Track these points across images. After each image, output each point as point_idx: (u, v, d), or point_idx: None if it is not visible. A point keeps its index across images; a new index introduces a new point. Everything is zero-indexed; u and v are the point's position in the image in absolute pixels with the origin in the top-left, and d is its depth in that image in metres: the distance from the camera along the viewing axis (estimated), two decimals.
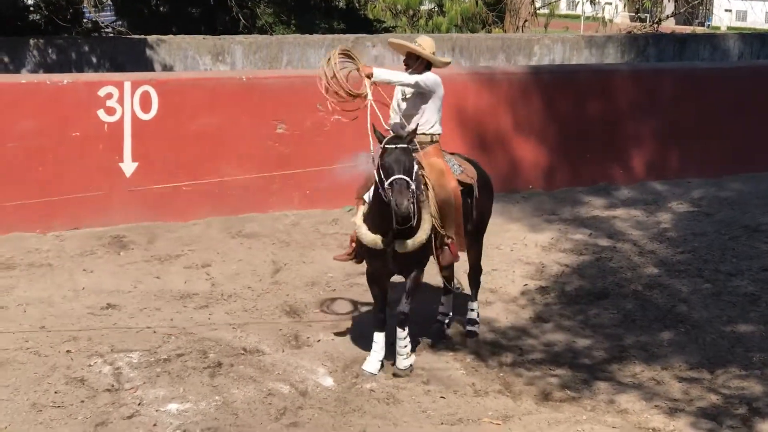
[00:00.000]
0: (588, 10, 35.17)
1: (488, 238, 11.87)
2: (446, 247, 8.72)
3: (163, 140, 12.33)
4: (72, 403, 7.86)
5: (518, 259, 11.63)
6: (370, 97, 8.65)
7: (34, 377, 8.27)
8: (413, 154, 8.18)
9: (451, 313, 9.71)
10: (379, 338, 8.75)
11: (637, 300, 10.53)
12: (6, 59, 16.05)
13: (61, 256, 11.17)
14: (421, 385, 8.50)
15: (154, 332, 9.32)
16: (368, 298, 9.16)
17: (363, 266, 9.01)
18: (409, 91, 8.91)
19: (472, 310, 9.69)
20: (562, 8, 40.00)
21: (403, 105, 8.98)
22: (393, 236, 8.29)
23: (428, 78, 8.88)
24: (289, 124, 12.81)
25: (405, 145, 8.08)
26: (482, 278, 10.34)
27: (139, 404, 7.89)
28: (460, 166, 9.08)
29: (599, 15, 30.18)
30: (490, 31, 24.83)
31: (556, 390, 8.52)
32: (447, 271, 9.30)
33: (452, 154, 9.33)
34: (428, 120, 8.89)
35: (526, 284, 10.93)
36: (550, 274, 11.19)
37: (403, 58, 9.06)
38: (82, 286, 10.37)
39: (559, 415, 8.07)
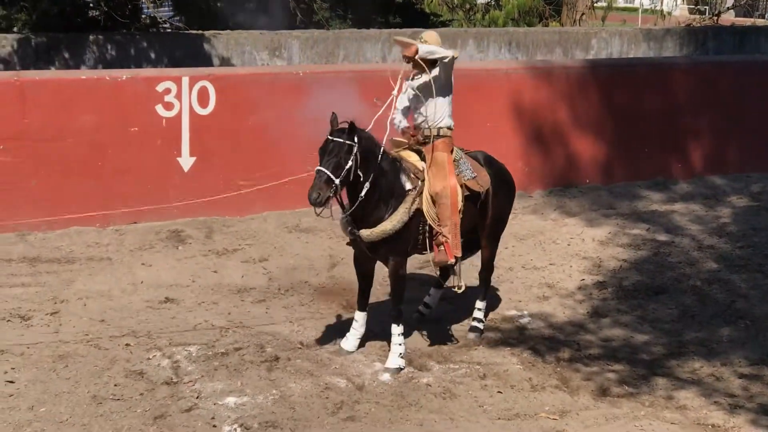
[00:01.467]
0: (646, 2, 34.89)
1: (545, 233, 11.89)
2: (441, 247, 8.68)
3: (221, 135, 12.39)
4: (131, 396, 7.93)
5: (575, 253, 11.57)
6: (394, 92, 8.78)
7: (94, 370, 8.35)
8: (357, 150, 8.20)
9: (433, 306, 9.74)
10: (359, 317, 8.93)
11: (696, 295, 10.44)
12: (66, 55, 16.21)
13: (120, 251, 11.26)
14: (477, 379, 8.49)
15: (212, 326, 9.37)
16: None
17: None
18: (418, 87, 8.79)
19: (479, 309, 9.58)
20: (620, 1, 39.66)
21: (413, 101, 8.89)
22: (349, 222, 8.47)
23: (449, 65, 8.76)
24: (346, 118, 12.80)
25: (341, 140, 8.15)
26: (538, 274, 10.34)
27: (197, 397, 7.94)
28: (473, 171, 8.97)
29: (657, 8, 29.90)
30: (547, 25, 24.69)
31: (613, 385, 8.48)
32: (444, 270, 9.33)
33: (471, 153, 9.25)
34: (435, 113, 8.80)
35: (583, 279, 10.87)
36: (607, 269, 11.12)
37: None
38: (141, 280, 10.44)
39: (616, 410, 8.03)
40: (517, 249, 11.69)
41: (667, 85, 14.82)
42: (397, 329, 8.71)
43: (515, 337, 9.45)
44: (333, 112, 8.42)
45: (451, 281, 9.39)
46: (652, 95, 14.66)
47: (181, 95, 12.17)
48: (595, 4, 25.56)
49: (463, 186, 8.80)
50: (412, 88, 8.82)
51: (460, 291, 9.04)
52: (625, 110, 14.49)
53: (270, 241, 11.71)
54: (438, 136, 8.81)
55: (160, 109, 12.10)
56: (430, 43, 8.76)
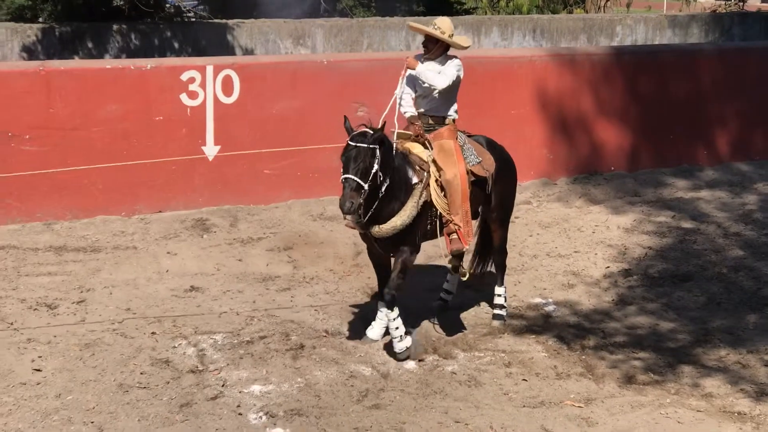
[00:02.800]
0: None
1: (570, 221, 11.86)
2: (455, 235, 8.65)
3: (245, 124, 12.41)
4: (157, 384, 7.96)
5: (600, 241, 11.53)
6: (397, 91, 8.80)
7: (121, 358, 8.39)
8: (383, 148, 8.20)
9: (454, 292, 9.70)
10: (382, 307, 8.83)
11: (722, 283, 10.40)
12: (90, 45, 16.28)
13: (146, 239, 11.30)
14: (502, 367, 8.48)
15: (237, 314, 9.40)
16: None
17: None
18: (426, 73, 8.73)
19: (499, 295, 9.56)
20: None
21: (419, 89, 8.81)
22: (365, 219, 8.36)
23: (458, 65, 8.74)
24: (370, 107, 12.80)
25: (365, 145, 8.09)
26: (563, 261, 10.31)
27: (222, 386, 7.96)
28: (477, 156, 8.94)
29: None
30: (571, 12, 24.62)
31: (639, 373, 8.45)
32: (456, 260, 9.32)
33: (474, 137, 9.22)
34: (443, 104, 8.80)
35: (609, 267, 10.84)
36: (632, 257, 11.08)
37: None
38: (166, 269, 10.48)
39: (642, 398, 8.00)
40: (542, 237, 11.67)
41: (693, 72, 14.75)
42: (391, 314, 8.59)
43: (540, 324, 9.43)
44: (344, 116, 8.40)
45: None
46: (677, 82, 14.60)
47: (206, 84, 12.19)
48: None
49: (469, 172, 8.77)
50: (423, 78, 8.70)
51: (464, 279, 9.07)
52: (650, 97, 14.43)
53: (295, 230, 11.73)
54: (444, 123, 8.81)
55: (184, 98, 12.13)
56: (443, 29, 8.70)
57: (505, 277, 9.67)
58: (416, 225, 8.52)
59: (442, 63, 8.76)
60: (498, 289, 9.55)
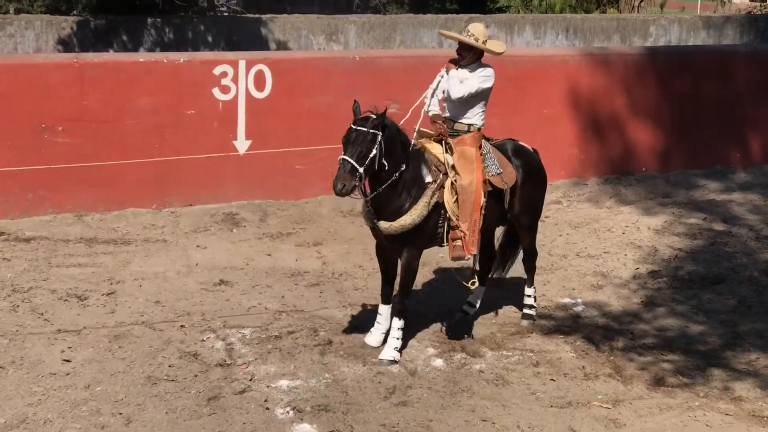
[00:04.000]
0: None
1: (600, 221, 11.82)
2: (458, 242, 8.55)
3: (277, 119, 12.44)
4: (185, 377, 7.99)
5: (630, 242, 11.49)
6: (428, 90, 8.82)
7: (149, 351, 8.42)
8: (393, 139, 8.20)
9: (476, 306, 9.52)
10: (382, 310, 8.78)
11: (753, 286, 10.33)
12: (124, 38, 16.36)
13: (176, 233, 11.34)
14: (530, 367, 8.47)
15: (266, 309, 9.42)
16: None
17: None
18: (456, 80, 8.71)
19: (529, 295, 9.53)
20: None
21: (448, 92, 8.78)
22: (370, 213, 8.40)
23: (487, 75, 8.72)
24: (403, 103, 12.79)
25: (365, 129, 8.05)
26: (593, 262, 10.27)
27: (250, 380, 7.98)
28: (499, 167, 8.85)
29: None
30: (604, 12, 24.52)
31: (668, 375, 8.41)
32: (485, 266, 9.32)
33: (501, 142, 9.19)
34: (474, 112, 8.78)
35: (638, 268, 10.79)
36: (662, 258, 11.03)
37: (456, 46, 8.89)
38: (196, 262, 10.52)
39: (670, 400, 7.97)
40: (572, 237, 11.64)
41: (727, 74, 14.67)
42: (398, 323, 8.56)
43: (569, 325, 9.41)
44: (355, 101, 8.37)
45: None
46: (711, 83, 14.52)
47: (238, 79, 12.23)
48: None
49: (487, 182, 8.68)
50: (474, 85, 8.68)
51: (473, 287, 9.00)
52: (683, 98, 14.37)
53: (324, 225, 11.75)
54: (467, 131, 8.76)
55: (216, 92, 12.17)
56: (476, 36, 8.65)
57: (535, 277, 9.65)
58: (425, 226, 8.45)
59: (473, 71, 8.72)
60: (528, 290, 9.53)
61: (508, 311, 9.64)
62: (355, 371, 8.20)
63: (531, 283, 9.56)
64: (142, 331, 8.83)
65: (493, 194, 8.78)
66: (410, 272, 8.60)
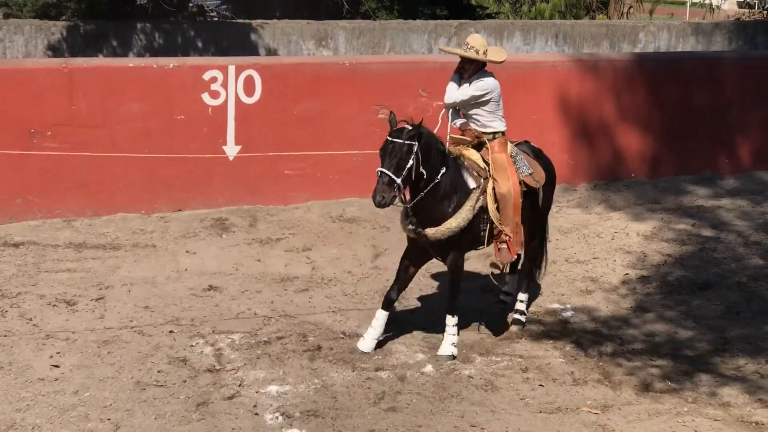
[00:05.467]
0: None
1: (590, 227, 11.84)
2: (504, 245, 8.79)
3: (266, 124, 12.43)
4: (174, 383, 7.99)
5: (619, 248, 11.51)
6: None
7: (138, 356, 8.42)
8: (424, 149, 8.32)
9: (513, 293, 9.70)
10: (380, 316, 8.84)
11: (742, 292, 10.36)
12: (114, 43, 16.32)
13: (165, 238, 11.33)
14: (519, 372, 8.48)
15: (255, 314, 9.42)
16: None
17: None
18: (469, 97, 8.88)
19: (522, 301, 9.61)
20: None
21: (463, 106, 8.95)
22: (412, 221, 8.53)
23: (481, 87, 8.85)
24: (392, 109, 12.78)
25: (401, 141, 8.21)
26: (582, 267, 10.29)
27: (239, 385, 7.98)
28: (529, 168, 9.07)
29: (706, 1, 29.67)
30: (594, 18, 24.61)
31: (656, 381, 8.43)
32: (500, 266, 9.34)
33: (519, 145, 9.32)
34: (489, 119, 8.92)
35: (627, 273, 10.81)
36: (651, 264, 11.05)
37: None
38: (185, 268, 10.51)
39: (659, 406, 7.99)
40: (561, 242, 11.65)
41: (716, 80, 14.69)
42: (452, 320, 8.77)
43: (558, 330, 9.42)
44: (391, 111, 8.52)
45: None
46: (699, 90, 14.54)
47: (227, 84, 12.23)
48: None
49: (521, 182, 8.90)
50: (467, 93, 8.86)
51: (496, 272, 9.20)
52: (672, 104, 14.38)
53: (314, 231, 11.74)
54: (492, 138, 8.91)
55: (206, 97, 12.17)
56: (476, 48, 8.80)
57: (515, 276, 9.76)
58: (470, 228, 8.63)
59: (471, 82, 8.88)
60: (521, 295, 9.58)
61: (498, 317, 9.62)
62: (344, 377, 8.21)
63: (526, 289, 9.63)
64: (131, 336, 8.82)
65: (526, 194, 8.99)
66: (457, 272, 8.89)
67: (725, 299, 10.17)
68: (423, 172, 8.31)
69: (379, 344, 8.86)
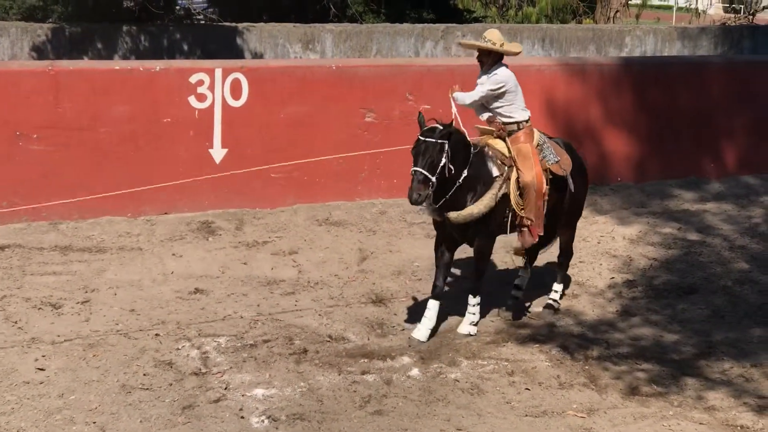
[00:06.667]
0: (681, 0, 34.68)
1: (576, 231, 11.82)
2: (526, 229, 9.12)
3: (253, 127, 12.43)
4: (160, 386, 7.97)
5: (605, 251, 11.52)
6: (454, 108, 9.13)
7: (124, 359, 8.40)
8: (456, 146, 8.65)
9: (523, 287, 10.01)
10: (432, 305, 9.10)
11: (727, 296, 10.38)
12: (100, 45, 16.30)
13: (151, 241, 11.31)
14: (505, 376, 8.48)
15: (241, 318, 9.41)
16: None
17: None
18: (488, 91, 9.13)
19: (556, 291, 9.95)
20: None
21: (485, 99, 9.19)
22: (440, 208, 8.80)
23: (496, 80, 9.09)
24: (378, 112, 12.84)
25: (434, 140, 8.51)
26: (570, 271, 10.31)
27: (225, 389, 7.97)
28: (556, 156, 9.35)
29: (692, 6, 29.75)
30: (580, 22, 24.64)
31: (642, 384, 8.44)
32: (524, 251, 9.81)
33: (551, 138, 9.59)
34: (510, 110, 9.16)
35: (613, 277, 10.83)
36: (637, 268, 11.07)
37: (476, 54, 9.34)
38: (171, 271, 10.49)
39: (645, 410, 7.99)
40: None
41: (702, 84, 14.75)
42: (474, 300, 9.19)
43: (544, 334, 9.43)
44: (419, 112, 8.86)
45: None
46: (685, 94, 14.59)
47: (214, 87, 12.22)
48: (629, 2, 25.48)
49: (547, 170, 9.19)
50: (483, 89, 9.11)
51: (520, 264, 9.83)
52: (658, 108, 14.43)
53: (300, 234, 11.73)
54: (518, 129, 9.17)
55: (192, 100, 12.15)
56: (494, 41, 9.08)
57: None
58: (493, 215, 8.92)
59: (489, 75, 9.15)
60: (556, 285, 9.98)
61: (484, 320, 9.62)
62: (330, 380, 8.20)
63: (561, 280, 10.03)
64: (116, 339, 8.80)
65: (553, 182, 9.28)
66: (482, 258, 9.27)
67: (711, 303, 10.19)
68: (452, 168, 8.59)
69: (368, 346, 8.88)
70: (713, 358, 8.99)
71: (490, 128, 9.19)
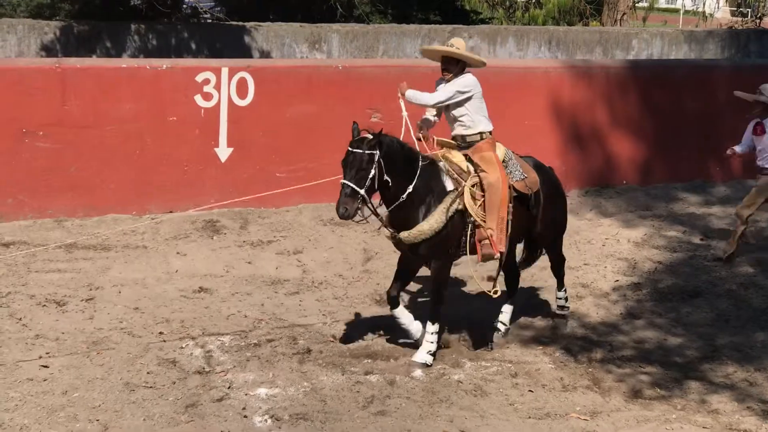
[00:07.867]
0: (688, 4, 34.65)
1: (581, 233, 11.85)
2: (486, 241, 8.59)
3: (259, 126, 12.43)
4: (164, 384, 7.97)
5: (610, 254, 11.52)
6: (404, 112, 8.84)
7: (128, 357, 8.40)
8: (379, 157, 8.16)
9: (507, 324, 9.41)
10: (398, 314, 8.81)
11: (732, 299, 10.37)
12: (107, 44, 16.32)
13: (156, 239, 11.32)
14: (509, 378, 8.47)
15: (245, 317, 9.40)
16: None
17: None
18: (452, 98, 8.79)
19: (560, 298, 9.77)
20: (661, 2, 39.50)
21: (451, 106, 8.85)
22: (393, 227, 8.46)
23: (464, 83, 8.77)
24: (384, 113, 12.82)
25: (361, 151, 8.11)
26: (573, 273, 10.30)
27: (228, 388, 7.96)
28: (522, 173, 8.94)
29: (699, 9, 29.72)
30: (587, 25, 24.61)
31: (646, 388, 8.43)
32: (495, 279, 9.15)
33: (521, 157, 9.21)
34: (473, 120, 8.82)
35: (618, 280, 10.82)
36: (642, 271, 11.06)
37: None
38: (176, 269, 10.49)
39: (648, 413, 7.98)
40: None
41: (708, 88, 14.73)
42: (431, 327, 8.64)
43: (548, 336, 9.42)
44: (354, 122, 8.42)
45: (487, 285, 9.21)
46: (692, 97, 14.58)
47: (220, 86, 12.22)
48: (636, 5, 25.45)
49: (511, 187, 8.74)
50: (414, 101, 8.79)
51: (495, 296, 8.91)
52: (664, 112, 14.42)
53: (305, 234, 11.74)
54: (481, 139, 8.82)
55: (198, 99, 12.16)
56: (459, 49, 8.75)
57: (564, 279, 9.89)
58: (446, 232, 8.47)
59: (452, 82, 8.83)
60: (559, 293, 9.76)
61: (488, 323, 9.61)
62: (333, 380, 8.19)
63: (561, 287, 9.78)
64: (120, 337, 8.80)
65: (520, 200, 8.87)
66: (441, 282, 8.73)
67: (715, 307, 10.17)
68: (388, 180, 8.21)
69: (371, 346, 8.91)
70: (717, 361, 8.97)
71: (451, 141, 8.86)
